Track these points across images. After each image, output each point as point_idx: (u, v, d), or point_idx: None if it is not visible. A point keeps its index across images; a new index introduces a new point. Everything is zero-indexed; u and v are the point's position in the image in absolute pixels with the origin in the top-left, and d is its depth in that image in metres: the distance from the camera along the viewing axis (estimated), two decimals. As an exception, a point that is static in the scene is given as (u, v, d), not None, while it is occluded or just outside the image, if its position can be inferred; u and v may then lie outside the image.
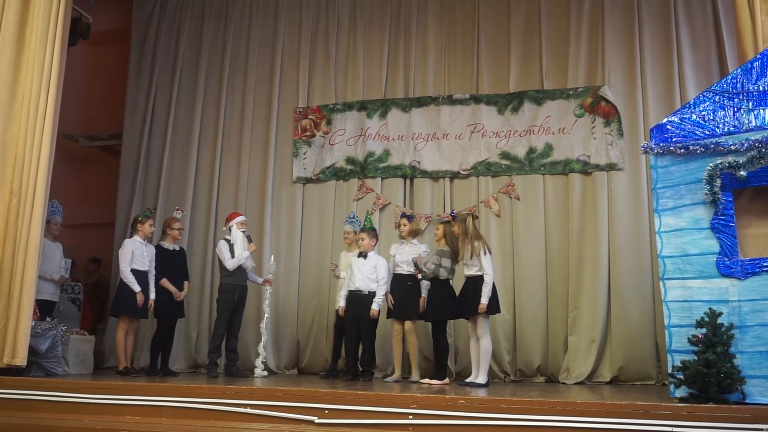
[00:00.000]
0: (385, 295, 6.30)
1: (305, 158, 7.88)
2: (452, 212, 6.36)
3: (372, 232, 6.50)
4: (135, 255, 6.57)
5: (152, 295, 6.64)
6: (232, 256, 6.54)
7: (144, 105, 8.53)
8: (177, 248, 6.99)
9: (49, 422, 4.72)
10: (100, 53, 9.22)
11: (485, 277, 5.68)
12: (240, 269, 6.61)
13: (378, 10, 8.00)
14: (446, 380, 5.92)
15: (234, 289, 6.60)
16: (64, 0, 6.00)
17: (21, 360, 5.43)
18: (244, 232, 6.67)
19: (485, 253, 5.74)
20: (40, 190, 5.65)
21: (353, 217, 6.90)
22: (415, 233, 6.38)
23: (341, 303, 6.38)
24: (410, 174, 7.50)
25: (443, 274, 5.95)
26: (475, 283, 5.72)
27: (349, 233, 6.75)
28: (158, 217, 7.70)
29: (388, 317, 6.41)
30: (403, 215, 6.74)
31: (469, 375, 5.91)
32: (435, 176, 7.42)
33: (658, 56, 6.99)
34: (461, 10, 7.71)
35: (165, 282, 6.72)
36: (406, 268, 6.22)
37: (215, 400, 4.59)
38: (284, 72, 8.20)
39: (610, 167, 6.89)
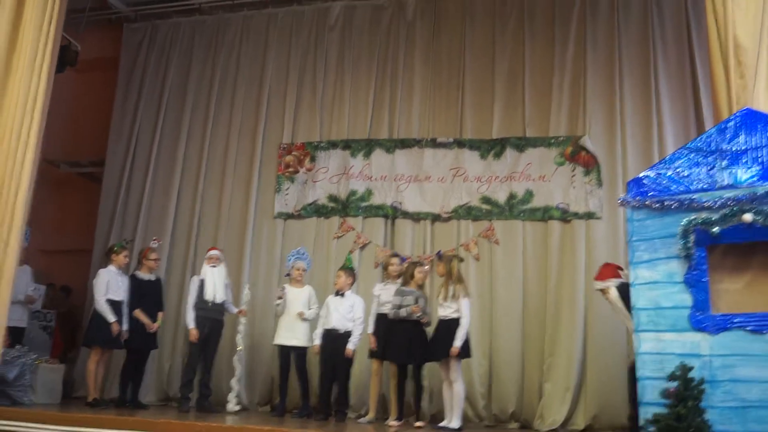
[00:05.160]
0: (362, 334, 6.28)
1: (287, 194, 7.90)
2: (438, 252, 6.38)
3: (350, 271, 6.52)
4: (110, 285, 6.52)
5: (125, 326, 6.56)
6: (198, 295, 6.58)
7: (128, 134, 8.56)
8: (153, 278, 6.93)
9: (13, 454, 4.63)
10: (87, 80, 9.24)
11: (462, 321, 5.68)
12: (213, 303, 6.58)
13: (366, 52, 8.12)
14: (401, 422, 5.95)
15: (203, 322, 6.56)
16: (54, 27, 6.05)
17: (-13, 388, 5.33)
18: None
19: (465, 297, 5.76)
20: (17, 216, 5.63)
21: (303, 255, 6.83)
22: (400, 274, 6.35)
23: (316, 341, 6.34)
24: (392, 214, 7.54)
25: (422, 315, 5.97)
26: (448, 325, 5.72)
27: (299, 269, 6.68)
28: (136, 246, 7.66)
29: (370, 357, 6.37)
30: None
31: (443, 418, 5.88)
32: (416, 218, 7.46)
33: (638, 109, 7.13)
34: (447, 55, 7.85)
35: (138, 313, 6.65)
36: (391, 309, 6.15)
37: (184, 437, 4.53)
38: (270, 107, 8.26)
39: (589, 216, 6.98)
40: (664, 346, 4.25)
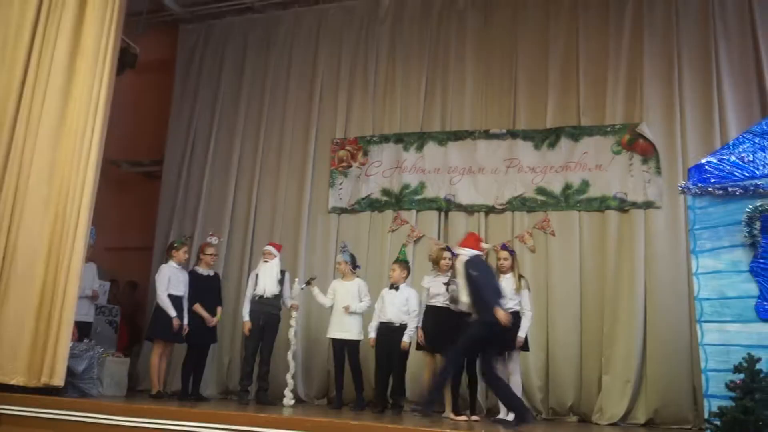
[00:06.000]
0: (417, 327, 6.27)
1: (341, 188, 7.96)
2: (503, 244, 6.30)
3: (404, 264, 6.53)
4: (171, 280, 6.68)
5: (185, 321, 6.72)
6: (254, 289, 6.71)
7: (185, 132, 8.77)
8: (211, 273, 7.08)
9: (83, 443, 4.80)
10: (145, 81, 9.46)
11: (528, 313, 5.75)
12: (266, 297, 6.66)
13: (417, 43, 8.10)
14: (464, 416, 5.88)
15: (258, 316, 6.65)
16: (114, 31, 6.22)
17: (59, 380, 5.53)
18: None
19: (526, 289, 5.78)
20: (83, 215, 5.81)
21: (344, 248, 6.88)
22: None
23: (372, 334, 6.38)
24: (445, 207, 7.52)
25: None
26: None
27: (340, 263, 6.76)
28: (195, 242, 7.84)
29: (417, 350, 6.36)
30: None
31: (498, 411, 5.84)
32: (470, 210, 7.43)
33: (698, 94, 6.92)
34: (499, 45, 7.77)
35: (197, 307, 6.80)
36: (442, 301, 6.14)
37: (246, 427, 4.61)
38: (322, 103, 8.34)
39: (648, 205, 6.82)
40: (729, 337, 4.14)
